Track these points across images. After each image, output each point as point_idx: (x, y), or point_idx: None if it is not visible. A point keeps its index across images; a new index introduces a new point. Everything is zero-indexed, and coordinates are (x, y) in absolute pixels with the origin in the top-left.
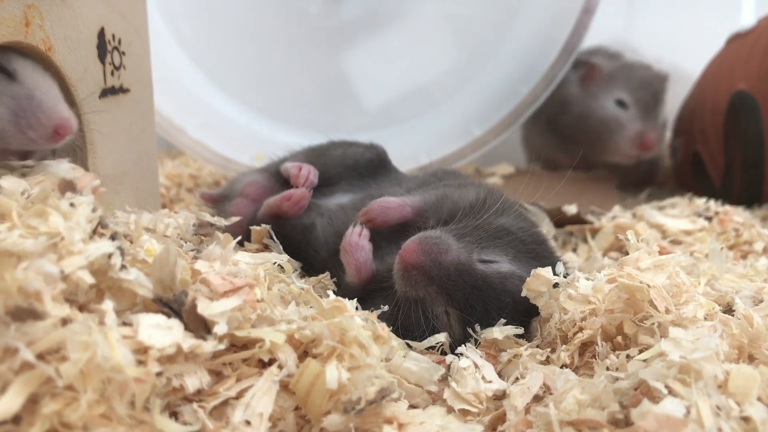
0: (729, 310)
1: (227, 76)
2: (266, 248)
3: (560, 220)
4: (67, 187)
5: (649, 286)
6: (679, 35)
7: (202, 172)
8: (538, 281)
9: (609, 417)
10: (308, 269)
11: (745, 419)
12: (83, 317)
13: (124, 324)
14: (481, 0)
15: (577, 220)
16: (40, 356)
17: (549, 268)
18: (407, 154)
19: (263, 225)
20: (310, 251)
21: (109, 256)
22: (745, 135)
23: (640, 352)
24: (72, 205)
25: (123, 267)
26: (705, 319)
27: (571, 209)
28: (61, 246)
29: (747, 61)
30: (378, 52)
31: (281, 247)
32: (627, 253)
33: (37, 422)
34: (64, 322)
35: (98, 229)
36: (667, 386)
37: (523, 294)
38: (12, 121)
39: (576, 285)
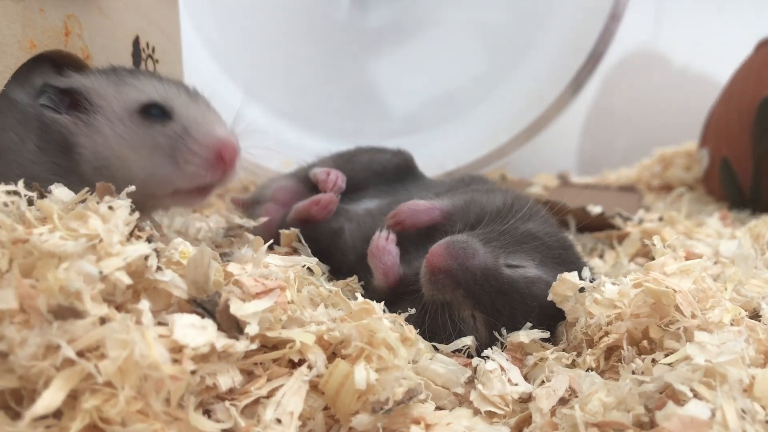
0: (755, 315)
1: (256, 83)
2: (295, 251)
3: (587, 226)
4: (106, 191)
5: (675, 291)
6: (707, 42)
7: None
8: (564, 286)
9: (634, 419)
10: (336, 273)
11: None
12: (121, 316)
13: (160, 324)
14: (507, 8)
15: (603, 222)
16: (81, 353)
17: (575, 273)
18: (434, 161)
19: (292, 228)
20: (338, 255)
21: (146, 257)
22: None
23: (666, 356)
24: (110, 208)
25: (159, 268)
26: (731, 324)
27: (596, 209)
28: (100, 248)
29: None
30: (405, 59)
31: (309, 251)
32: (653, 259)
33: (77, 417)
34: (103, 321)
35: (135, 232)
36: (692, 389)
37: (549, 298)
38: (171, 162)
39: (602, 289)
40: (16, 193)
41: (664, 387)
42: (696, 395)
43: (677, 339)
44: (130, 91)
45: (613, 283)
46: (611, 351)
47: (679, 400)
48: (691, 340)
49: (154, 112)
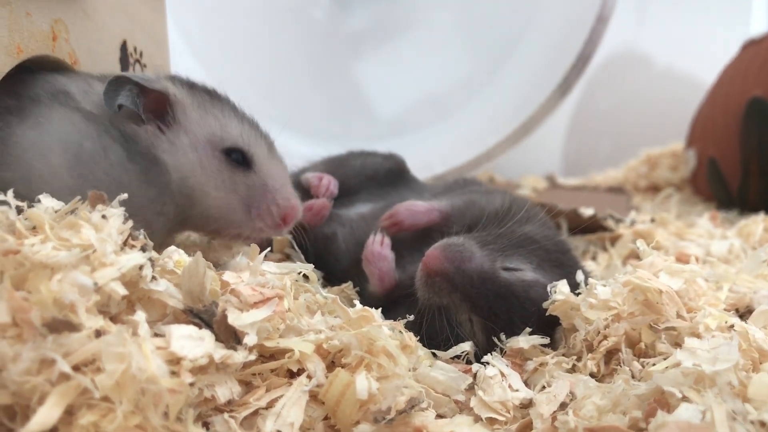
0: (748, 311)
1: (242, 87)
2: (287, 258)
3: (578, 228)
4: (98, 199)
5: (660, 291)
6: (691, 42)
7: None
8: (567, 306)
9: (630, 423)
10: (330, 279)
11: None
12: (117, 329)
13: (156, 335)
14: (495, 9)
15: (595, 224)
16: (76, 367)
17: (565, 282)
18: (421, 164)
19: (284, 235)
20: (332, 261)
21: (140, 267)
22: (761, 141)
23: (665, 359)
24: (104, 217)
25: (153, 278)
26: (717, 329)
27: (588, 211)
28: (94, 258)
29: (762, 67)
30: (391, 61)
31: (303, 257)
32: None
33: None
34: (98, 333)
35: (129, 241)
36: (681, 393)
37: (549, 312)
38: (244, 211)
39: (594, 293)
40: (4, 202)
41: (655, 391)
42: (685, 398)
43: (670, 341)
44: (214, 124)
45: (604, 285)
46: (611, 354)
47: (670, 404)
48: (680, 342)
49: (235, 156)
